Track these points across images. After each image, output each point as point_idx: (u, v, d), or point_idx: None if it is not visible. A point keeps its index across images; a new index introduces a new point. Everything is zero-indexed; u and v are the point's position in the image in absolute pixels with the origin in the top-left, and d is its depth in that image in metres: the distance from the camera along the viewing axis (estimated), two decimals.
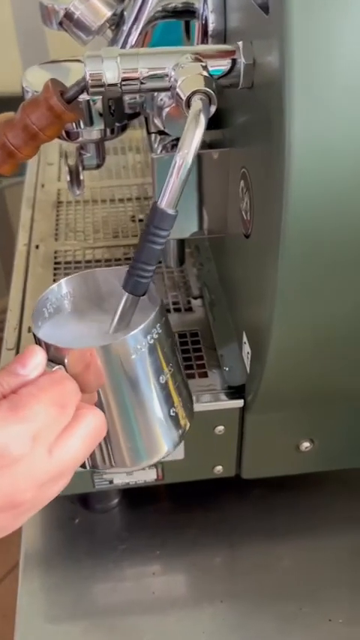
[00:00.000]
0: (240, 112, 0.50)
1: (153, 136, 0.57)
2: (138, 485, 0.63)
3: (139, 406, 0.41)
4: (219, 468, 0.63)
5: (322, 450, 0.61)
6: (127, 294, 0.40)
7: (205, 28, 0.52)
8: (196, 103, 0.39)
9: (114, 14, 0.54)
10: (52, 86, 0.45)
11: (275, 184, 0.40)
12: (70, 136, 0.58)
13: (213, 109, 0.41)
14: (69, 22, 0.55)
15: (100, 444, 0.41)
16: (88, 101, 0.56)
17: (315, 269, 0.43)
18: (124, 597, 0.63)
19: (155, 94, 0.54)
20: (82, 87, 0.44)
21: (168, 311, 0.68)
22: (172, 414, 0.43)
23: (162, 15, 0.54)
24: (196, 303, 0.70)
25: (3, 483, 0.33)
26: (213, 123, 0.56)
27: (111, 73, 0.43)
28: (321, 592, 0.62)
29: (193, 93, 0.40)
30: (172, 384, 0.42)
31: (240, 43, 0.44)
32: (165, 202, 0.38)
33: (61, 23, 0.56)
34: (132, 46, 0.54)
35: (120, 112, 0.58)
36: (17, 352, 0.63)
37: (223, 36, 0.52)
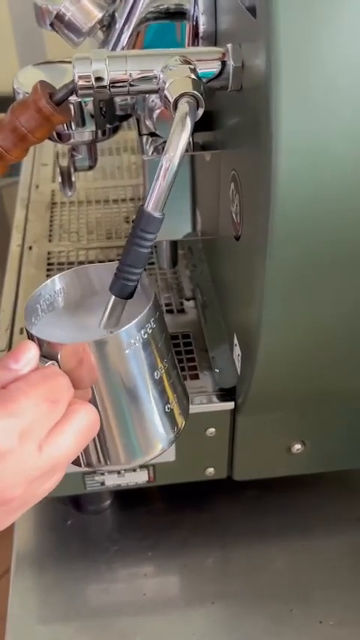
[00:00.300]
0: (230, 114, 0.51)
1: (144, 137, 0.57)
2: (130, 486, 0.63)
3: (134, 402, 0.41)
4: (210, 469, 0.63)
5: (314, 451, 0.61)
6: (113, 296, 0.40)
7: (195, 29, 0.52)
8: (183, 105, 0.39)
9: (107, 15, 0.54)
10: (41, 88, 0.45)
11: (263, 186, 0.40)
12: (61, 138, 0.58)
13: (200, 111, 0.41)
14: (60, 23, 0.55)
15: (94, 441, 0.41)
16: (79, 103, 0.56)
17: (303, 271, 0.43)
18: (116, 598, 0.63)
19: (146, 95, 0.54)
20: (71, 89, 0.44)
21: None
22: (166, 410, 0.42)
23: (153, 16, 0.54)
24: (188, 304, 0.70)
25: None
26: (204, 125, 0.57)
27: (100, 75, 0.43)
28: (312, 594, 0.62)
29: (181, 95, 0.40)
30: (166, 380, 0.42)
31: (229, 46, 0.44)
32: (151, 205, 0.38)
33: (52, 25, 0.56)
34: (123, 48, 0.54)
35: (111, 113, 0.58)
36: None
37: (213, 38, 0.52)
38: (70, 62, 0.59)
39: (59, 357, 0.37)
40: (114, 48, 0.54)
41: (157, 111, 0.53)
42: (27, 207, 0.87)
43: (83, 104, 0.55)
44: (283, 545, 0.66)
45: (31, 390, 0.34)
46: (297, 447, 0.60)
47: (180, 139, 0.38)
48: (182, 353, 0.63)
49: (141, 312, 0.39)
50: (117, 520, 0.69)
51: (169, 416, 0.43)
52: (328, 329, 0.47)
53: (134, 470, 0.61)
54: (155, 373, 0.41)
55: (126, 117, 0.59)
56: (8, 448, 0.33)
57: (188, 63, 0.43)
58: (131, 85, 0.44)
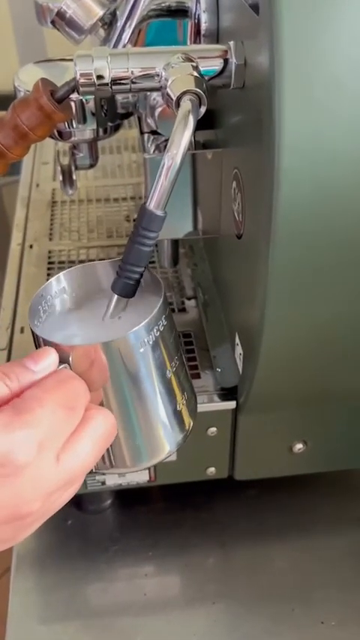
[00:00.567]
0: (232, 113, 0.50)
1: (146, 135, 0.57)
2: (130, 486, 0.63)
3: (142, 404, 0.40)
4: (212, 469, 0.62)
5: (315, 451, 0.61)
6: (116, 295, 0.39)
7: (197, 27, 0.52)
8: (186, 103, 0.39)
9: (108, 13, 0.54)
10: (42, 86, 0.45)
11: (266, 185, 0.40)
12: (62, 136, 0.58)
13: (203, 109, 0.40)
14: (61, 21, 0.54)
15: None
16: (81, 101, 0.55)
17: (306, 269, 0.43)
18: (117, 598, 0.63)
19: (148, 93, 0.54)
20: (73, 87, 0.44)
21: None
22: (175, 412, 0.41)
23: (155, 14, 0.54)
24: (189, 303, 0.70)
25: (6, 494, 0.31)
26: (206, 123, 0.57)
27: (101, 73, 0.43)
28: (314, 593, 0.62)
29: (183, 93, 0.40)
30: (175, 380, 0.41)
31: (231, 43, 0.43)
32: (153, 203, 0.38)
33: (53, 22, 0.55)
34: (124, 46, 0.54)
35: (113, 111, 0.58)
36: (9, 352, 0.63)
37: (215, 35, 0.51)
38: (70, 60, 0.59)
39: (70, 359, 0.36)
40: (115, 46, 0.54)
41: (159, 109, 0.53)
42: (27, 205, 0.87)
43: (84, 102, 0.55)
44: (284, 544, 0.66)
45: (47, 398, 0.33)
46: (298, 446, 0.60)
47: (182, 136, 0.38)
48: (183, 352, 0.63)
49: (151, 310, 0.38)
50: (117, 520, 0.69)
51: (178, 418, 0.42)
52: (331, 328, 0.47)
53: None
54: (167, 372, 0.40)
55: (127, 115, 0.59)
56: (26, 461, 0.31)
57: (190, 60, 0.43)
58: (133, 83, 0.44)
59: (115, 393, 0.39)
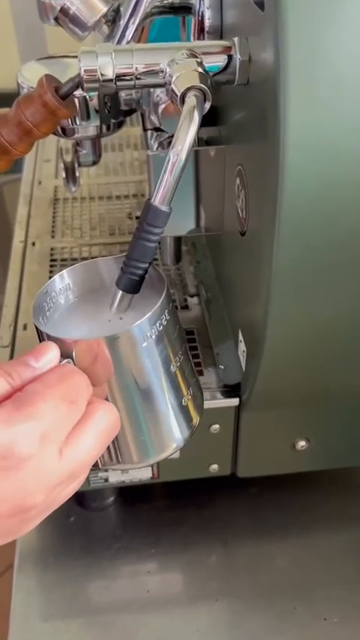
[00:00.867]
0: (236, 109, 0.50)
1: (149, 132, 0.57)
2: (133, 483, 0.63)
3: (148, 399, 0.40)
4: (214, 466, 0.62)
5: (318, 448, 0.61)
6: (120, 291, 0.39)
7: (201, 24, 0.52)
8: (191, 99, 0.39)
9: (112, 10, 0.54)
10: (47, 82, 0.45)
11: (270, 181, 0.40)
12: (65, 133, 0.58)
13: (208, 105, 0.40)
14: (65, 17, 0.54)
15: None
16: (84, 97, 0.55)
17: (310, 266, 0.43)
18: (119, 595, 0.63)
19: (151, 90, 0.54)
20: (77, 83, 0.44)
21: None
22: (180, 407, 0.41)
23: (158, 11, 0.54)
24: (192, 301, 0.70)
25: (9, 487, 0.31)
26: (209, 119, 0.56)
27: (106, 69, 0.43)
28: (316, 591, 0.62)
29: (188, 89, 0.40)
30: (180, 375, 0.41)
31: (236, 40, 0.43)
32: (159, 199, 0.38)
33: (56, 19, 0.55)
34: (128, 42, 0.53)
35: (116, 108, 0.58)
36: (12, 349, 0.63)
37: (219, 32, 0.51)
38: (73, 57, 0.59)
39: (74, 354, 0.36)
40: (119, 43, 0.54)
41: (162, 106, 0.53)
42: (30, 203, 0.87)
43: (88, 99, 0.55)
44: (286, 542, 0.66)
45: (49, 392, 0.33)
46: (301, 443, 0.60)
47: (188, 132, 0.38)
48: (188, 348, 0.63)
49: (154, 305, 0.38)
50: (120, 517, 0.69)
51: (184, 413, 0.42)
52: (335, 325, 0.47)
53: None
54: (171, 367, 0.40)
55: (131, 112, 0.59)
56: (28, 454, 0.31)
57: (195, 57, 0.43)
58: (137, 79, 0.44)
59: (120, 388, 0.39)
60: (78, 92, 0.46)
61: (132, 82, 0.44)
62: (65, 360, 0.36)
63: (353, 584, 0.63)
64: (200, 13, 0.51)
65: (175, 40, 0.58)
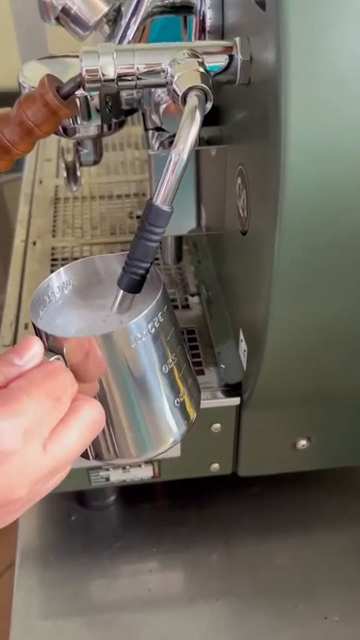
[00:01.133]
0: (237, 109, 0.50)
1: (150, 132, 0.57)
2: (134, 482, 0.63)
3: (143, 396, 0.40)
4: (215, 465, 0.63)
5: (319, 448, 0.61)
6: (122, 291, 0.39)
7: (202, 24, 0.52)
8: (192, 99, 0.39)
9: (113, 10, 0.54)
10: (48, 82, 0.45)
11: (271, 181, 0.40)
12: (67, 132, 0.58)
13: (209, 105, 0.40)
14: (66, 17, 0.54)
15: (104, 434, 0.40)
16: (85, 97, 0.55)
17: (311, 266, 0.43)
18: (120, 594, 0.63)
19: (152, 90, 0.54)
20: (78, 83, 0.44)
21: None
22: (176, 404, 0.42)
23: (159, 10, 0.54)
24: (193, 300, 0.70)
25: None
26: (211, 119, 0.57)
27: (107, 69, 0.43)
28: (316, 589, 0.62)
29: (189, 89, 0.40)
30: (177, 373, 0.41)
31: (237, 39, 0.43)
32: (160, 199, 0.38)
33: (57, 18, 0.55)
34: (129, 42, 0.54)
35: (117, 108, 0.58)
36: None
37: (220, 32, 0.51)
38: (74, 57, 0.59)
39: (64, 351, 0.37)
40: (120, 42, 0.54)
41: (163, 105, 0.53)
42: (31, 202, 0.87)
43: (89, 98, 0.55)
44: (287, 541, 0.66)
45: (34, 389, 0.34)
46: (302, 443, 0.60)
47: (189, 132, 0.38)
48: (187, 347, 0.63)
49: (151, 303, 0.38)
50: (121, 516, 0.69)
51: (180, 409, 0.42)
52: (336, 325, 0.47)
53: (139, 465, 0.61)
54: (164, 367, 0.40)
55: (132, 111, 0.59)
56: (12, 449, 0.32)
57: (196, 56, 0.43)
58: (139, 79, 0.44)
59: (115, 385, 0.39)
60: (79, 92, 0.46)
61: (133, 82, 0.44)
62: (55, 357, 0.37)
63: (354, 582, 0.63)
64: (201, 13, 0.52)
65: (177, 40, 0.58)
